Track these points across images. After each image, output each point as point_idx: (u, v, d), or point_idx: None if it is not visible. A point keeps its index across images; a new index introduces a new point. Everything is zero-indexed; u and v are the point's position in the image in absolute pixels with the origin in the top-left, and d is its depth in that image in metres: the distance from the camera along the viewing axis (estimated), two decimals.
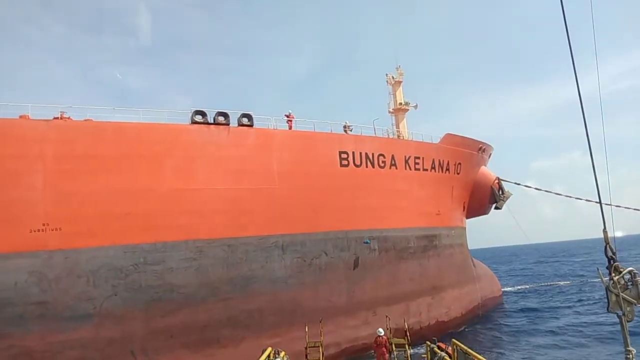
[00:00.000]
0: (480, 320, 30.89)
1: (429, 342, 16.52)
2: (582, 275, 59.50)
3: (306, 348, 18.14)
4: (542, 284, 53.55)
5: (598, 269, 8.03)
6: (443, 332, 25.62)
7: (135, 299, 17.41)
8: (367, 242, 23.48)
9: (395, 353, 18.04)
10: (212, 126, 20.07)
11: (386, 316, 21.17)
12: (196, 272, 18.57)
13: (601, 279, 7.83)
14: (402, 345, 18.70)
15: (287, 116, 23.10)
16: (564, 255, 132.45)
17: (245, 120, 20.98)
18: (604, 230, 7.79)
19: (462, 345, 13.67)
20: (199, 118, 19.89)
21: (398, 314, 23.61)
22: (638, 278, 7.68)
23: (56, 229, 16.57)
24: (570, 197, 39.22)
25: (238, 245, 19.66)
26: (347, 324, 21.94)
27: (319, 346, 18.32)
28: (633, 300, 7.64)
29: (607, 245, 7.80)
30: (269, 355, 14.41)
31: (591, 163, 7.92)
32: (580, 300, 37.92)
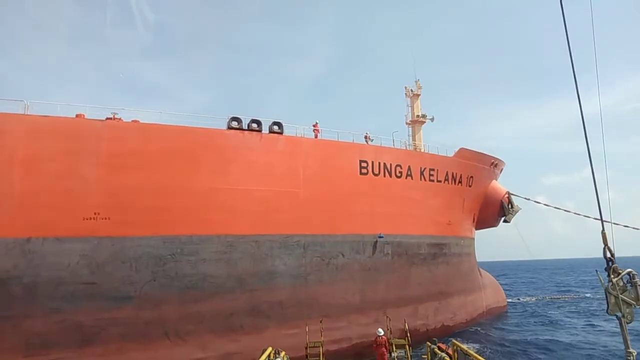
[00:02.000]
0: (483, 328, 32.15)
1: (429, 343, 17.10)
2: (578, 290, 60.33)
3: (306, 348, 19.09)
4: (548, 298, 54.61)
5: (597, 271, 8.07)
6: (448, 335, 27.17)
7: (172, 286, 19.26)
8: (381, 237, 25.04)
9: (395, 353, 18.75)
10: (246, 132, 21.91)
11: (386, 316, 22.48)
12: (226, 264, 20.38)
13: (600, 280, 7.84)
14: (403, 346, 19.56)
15: (314, 126, 24.90)
16: (565, 272, 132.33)
17: (275, 128, 22.80)
18: (603, 232, 7.81)
19: (462, 346, 14.47)
20: (234, 124, 21.74)
21: (407, 315, 25.16)
22: (637, 279, 7.64)
23: (105, 218, 18.50)
24: (579, 214, 40.39)
25: (264, 242, 21.44)
26: (359, 321, 23.56)
27: (319, 346, 19.05)
28: (632, 301, 7.59)
29: (606, 247, 7.76)
30: (269, 355, 14.72)
31: (590, 166, 8.04)
32: (583, 314, 39.07)
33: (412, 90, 38.94)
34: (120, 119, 20.17)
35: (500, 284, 44.56)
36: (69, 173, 18.22)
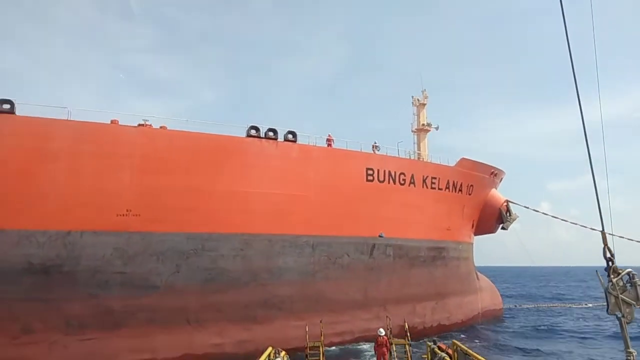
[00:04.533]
0: (479, 329, 33.69)
1: (429, 343, 17.59)
2: (583, 299, 61.64)
3: (306, 348, 19.33)
4: (545, 305, 55.97)
5: (597, 272, 7.99)
6: (443, 333, 29.07)
7: (193, 278, 21.37)
8: (381, 235, 27.09)
9: (395, 353, 19.45)
10: (263, 140, 23.97)
11: (387, 316, 23.84)
12: (242, 260, 22.46)
13: (600, 281, 7.80)
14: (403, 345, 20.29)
15: (328, 137, 26.90)
16: (566, 279, 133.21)
17: (290, 137, 24.86)
18: (602, 232, 7.78)
19: (462, 346, 15.03)
20: (253, 132, 23.81)
21: (405, 313, 27.12)
22: (637, 279, 7.62)
23: (137, 215, 20.64)
24: (575, 223, 41.99)
25: (277, 241, 23.51)
26: (362, 316, 25.56)
27: (319, 346, 19.35)
28: (632, 301, 7.57)
29: (606, 247, 7.73)
30: (269, 355, 14.87)
31: (590, 165, 8.01)
32: (579, 319, 40.50)
33: (418, 100, 40.80)
34: (150, 125, 22.30)
35: (498, 288, 46.22)
36: (105, 174, 20.36)
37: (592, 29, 9.08)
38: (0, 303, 18.17)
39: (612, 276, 7.71)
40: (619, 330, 7.64)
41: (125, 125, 21.55)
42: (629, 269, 7.75)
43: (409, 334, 21.46)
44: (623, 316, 7.55)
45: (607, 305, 7.77)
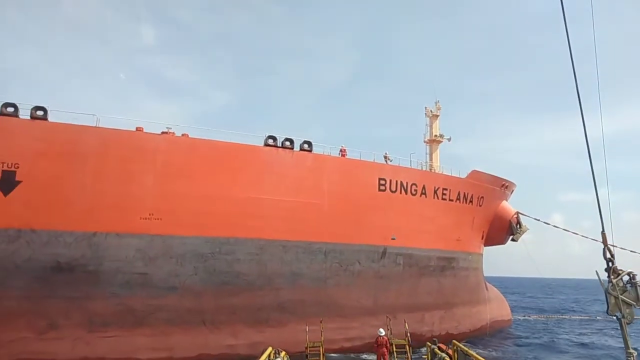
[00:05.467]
0: (486, 339, 34.06)
1: (429, 343, 18.05)
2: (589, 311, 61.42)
3: (306, 348, 20.11)
4: (554, 317, 55.93)
5: (597, 272, 7.96)
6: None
7: (210, 280, 22.21)
8: (393, 238, 27.78)
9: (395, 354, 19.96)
10: (280, 149, 24.82)
11: (387, 317, 24.30)
12: (257, 264, 23.26)
13: (600, 281, 7.80)
14: (403, 346, 20.86)
15: (342, 149, 27.67)
16: (573, 292, 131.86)
17: (305, 146, 25.69)
18: (602, 232, 7.74)
19: (462, 346, 15.60)
20: (270, 141, 24.68)
21: (414, 321, 27.69)
22: (637, 280, 7.65)
23: (158, 219, 21.56)
24: (586, 237, 42.14)
25: (291, 247, 24.28)
26: (371, 323, 26.06)
27: (318, 346, 19.88)
28: (632, 302, 7.58)
29: (606, 248, 7.67)
30: (269, 355, 15.10)
31: (590, 166, 8.05)
32: (587, 332, 40.66)
33: (431, 111, 41.38)
34: (173, 133, 23.27)
35: (508, 299, 46.43)
36: (130, 179, 21.34)
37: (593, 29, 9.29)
38: (30, 299, 19.19)
39: (612, 277, 7.77)
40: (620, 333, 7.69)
41: (149, 133, 22.55)
42: (630, 270, 7.79)
43: (409, 335, 21.99)
44: (623, 317, 7.65)
45: (607, 306, 7.86)
